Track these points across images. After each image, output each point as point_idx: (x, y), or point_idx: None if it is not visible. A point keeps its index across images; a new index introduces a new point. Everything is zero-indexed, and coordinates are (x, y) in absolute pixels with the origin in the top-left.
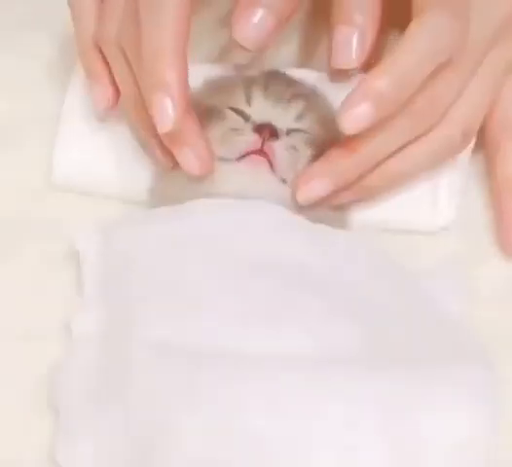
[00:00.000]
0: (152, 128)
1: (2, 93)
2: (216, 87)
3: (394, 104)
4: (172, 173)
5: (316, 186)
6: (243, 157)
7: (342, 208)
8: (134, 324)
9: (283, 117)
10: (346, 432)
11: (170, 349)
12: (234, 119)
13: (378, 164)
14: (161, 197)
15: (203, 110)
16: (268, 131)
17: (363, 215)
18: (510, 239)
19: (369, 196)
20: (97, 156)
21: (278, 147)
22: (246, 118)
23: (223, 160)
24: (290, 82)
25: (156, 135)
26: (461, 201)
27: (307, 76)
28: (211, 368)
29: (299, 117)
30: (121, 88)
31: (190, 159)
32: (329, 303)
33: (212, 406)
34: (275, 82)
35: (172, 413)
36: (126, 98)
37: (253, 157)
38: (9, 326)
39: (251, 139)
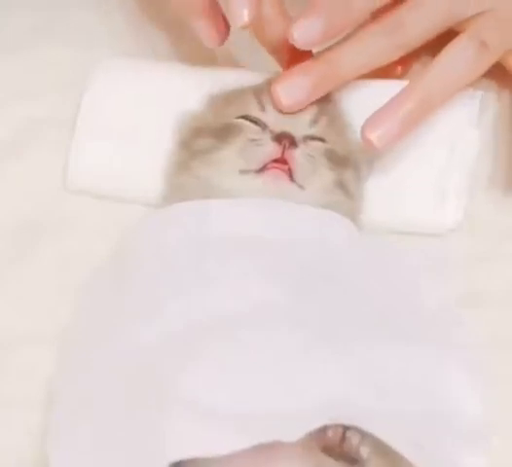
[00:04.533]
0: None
1: (18, 99)
2: (226, 99)
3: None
4: (187, 186)
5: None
6: (264, 167)
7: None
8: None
9: (298, 123)
10: None
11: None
12: (251, 129)
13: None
14: None
15: (219, 129)
16: (288, 140)
17: (371, 217)
18: None
19: (413, 123)
20: (111, 160)
21: (298, 155)
22: (263, 126)
23: (243, 172)
24: None
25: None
26: (468, 203)
27: None
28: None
29: (313, 122)
30: None
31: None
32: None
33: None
34: None
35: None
36: None
37: (273, 170)
38: (23, 325)
39: (272, 149)
